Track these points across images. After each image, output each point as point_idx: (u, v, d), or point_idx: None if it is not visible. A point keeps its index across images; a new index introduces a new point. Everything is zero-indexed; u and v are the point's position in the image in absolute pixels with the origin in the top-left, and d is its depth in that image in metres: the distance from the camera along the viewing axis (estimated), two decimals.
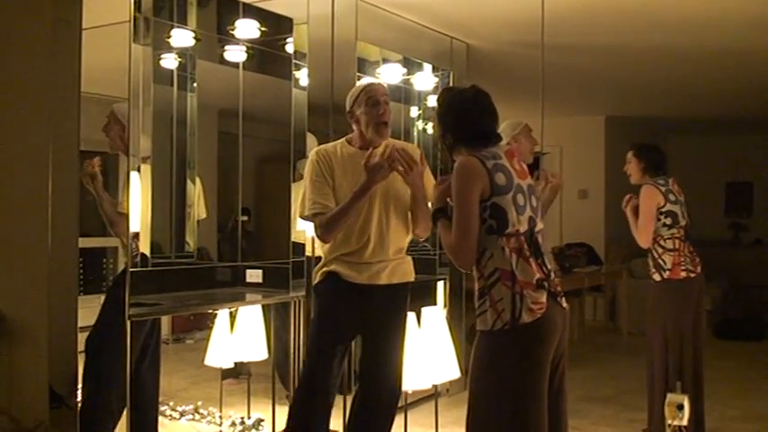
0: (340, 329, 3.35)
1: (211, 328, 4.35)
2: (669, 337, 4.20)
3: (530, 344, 2.56)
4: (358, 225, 3.27)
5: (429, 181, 3.29)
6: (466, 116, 2.68)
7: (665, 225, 4.22)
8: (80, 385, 3.24)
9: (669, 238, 4.21)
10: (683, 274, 4.19)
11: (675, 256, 4.20)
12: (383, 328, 3.36)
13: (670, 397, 3.87)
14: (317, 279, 3.38)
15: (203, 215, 4.26)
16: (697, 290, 4.26)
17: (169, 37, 3.92)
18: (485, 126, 2.68)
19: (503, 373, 2.56)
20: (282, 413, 4.29)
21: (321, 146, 3.40)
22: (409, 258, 3.43)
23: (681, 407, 3.81)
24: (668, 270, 4.21)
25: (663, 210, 4.21)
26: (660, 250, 4.24)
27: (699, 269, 4.25)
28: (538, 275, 2.56)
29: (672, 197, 4.22)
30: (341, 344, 3.36)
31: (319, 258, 3.44)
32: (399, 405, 3.92)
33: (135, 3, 3.41)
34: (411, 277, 3.44)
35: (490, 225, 2.55)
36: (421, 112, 5.55)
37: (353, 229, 3.27)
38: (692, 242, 4.26)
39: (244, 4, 4.12)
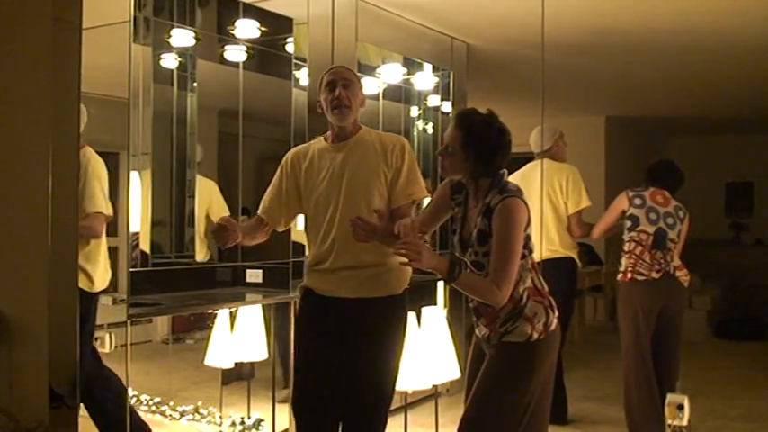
0: (314, 355, 2.99)
1: (211, 328, 4.35)
2: (625, 337, 4.29)
3: (555, 346, 2.76)
4: (324, 226, 2.94)
5: (413, 172, 2.95)
6: (505, 153, 2.70)
7: (626, 228, 4.30)
8: None
9: (627, 241, 4.28)
10: (630, 275, 4.23)
11: (627, 258, 4.27)
12: (359, 352, 2.92)
13: (670, 397, 3.88)
14: None
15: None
16: (657, 294, 4.23)
17: (169, 37, 3.93)
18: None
19: (535, 377, 2.69)
20: (283, 413, 4.30)
21: (297, 146, 3.18)
22: (396, 268, 2.89)
23: (681, 407, 3.81)
24: (621, 273, 4.31)
25: (626, 214, 4.31)
26: (621, 253, 4.34)
27: (659, 274, 4.19)
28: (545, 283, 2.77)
29: (637, 201, 4.26)
30: (319, 370, 2.96)
31: None
32: (399, 405, 3.93)
33: (135, 3, 3.41)
34: (393, 290, 2.95)
35: (523, 254, 2.67)
36: (421, 112, 5.55)
37: (320, 231, 2.96)
38: (663, 250, 4.21)
39: (244, 3, 4.12)
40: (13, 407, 2.45)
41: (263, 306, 4.34)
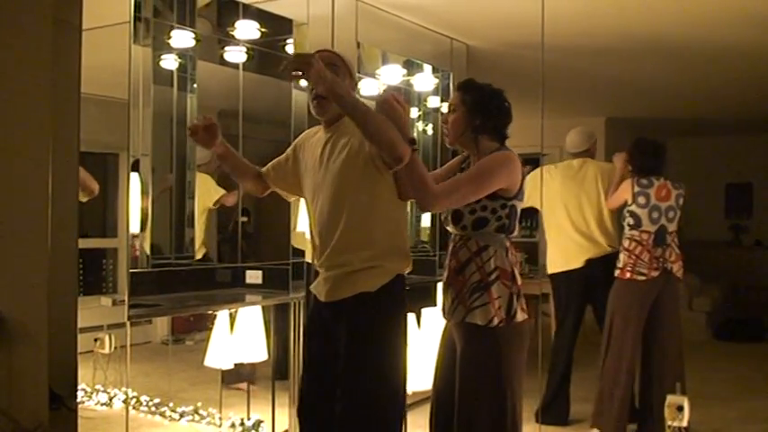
0: (312, 362, 2.81)
1: (211, 329, 4.35)
2: (616, 331, 4.34)
3: (522, 341, 2.74)
4: (311, 223, 2.79)
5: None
6: (506, 114, 2.89)
7: (627, 224, 4.34)
8: None
9: (628, 238, 4.31)
10: (628, 275, 4.27)
11: (627, 256, 4.30)
12: (342, 356, 2.66)
13: (670, 398, 3.88)
14: None
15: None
16: (652, 289, 4.25)
17: (169, 38, 3.93)
18: (507, 128, 2.90)
19: (503, 367, 2.68)
20: (282, 414, 4.30)
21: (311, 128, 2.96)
22: (368, 266, 2.63)
23: (680, 408, 3.81)
24: (619, 269, 4.34)
25: (628, 208, 4.33)
26: (621, 248, 4.37)
27: (658, 272, 4.22)
28: (521, 281, 2.77)
29: (641, 200, 4.28)
30: (318, 378, 2.76)
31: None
32: None
33: (135, 4, 3.42)
34: (363, 288, 2.63)
35: (504, 224, 2.71)
36: (421, 113, 5.55)
37: (310, 228, 2.80)
38: (663, 245, 4.23)
39: (244, 4, 4.12)
40: (13, 408, 2.45)
41: (263, 307, 4.34)
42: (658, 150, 4.45)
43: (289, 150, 2.95)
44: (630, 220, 4.29)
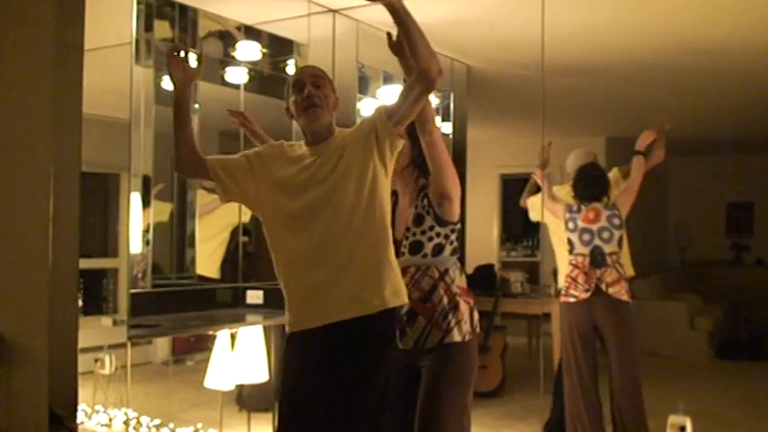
0: (294, 412, 2.41)
1: (211, 349, 4.34)
2: (564, 358, 4.36)
3: (477, 349, 2.89)
4: (301, 241, 2.47)
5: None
6: None
7: (568, 251, 4.36)
8: None
9: (569, 264, 4.34)
10: (564, 298, 4.30)
11: (565, 280, 4.33)
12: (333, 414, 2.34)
13: (672, 418, 3.85)
14: None
15: None
16: (587, 312, 4.23)
17: None
18: None
19: (473, 378, 2.82)
20: None
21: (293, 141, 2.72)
22: (375, 279, 2.41)
23: (683, 429, 3.79)
24: (560, 294, 4.37)
25: (566, 234, 4.37)
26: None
27: (589, 293, 4.18)
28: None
29: (571, 225, 4.33)
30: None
31: None
32: None
33: (137, 24, 3.44)
34: (364, 308, 2.37)
35: (455, 247, 2.88)
36: None
37: (296, 246, 2.49)
38: (602, 267, 4.19)
39: (245, 25, 4.14)
40: (13, 429, 2.44)
41: (264, 328, 4.33)
42: (598, 181, 4.44)
43: (249, 153, 2.63)
44: (568, 246, 4.35)
